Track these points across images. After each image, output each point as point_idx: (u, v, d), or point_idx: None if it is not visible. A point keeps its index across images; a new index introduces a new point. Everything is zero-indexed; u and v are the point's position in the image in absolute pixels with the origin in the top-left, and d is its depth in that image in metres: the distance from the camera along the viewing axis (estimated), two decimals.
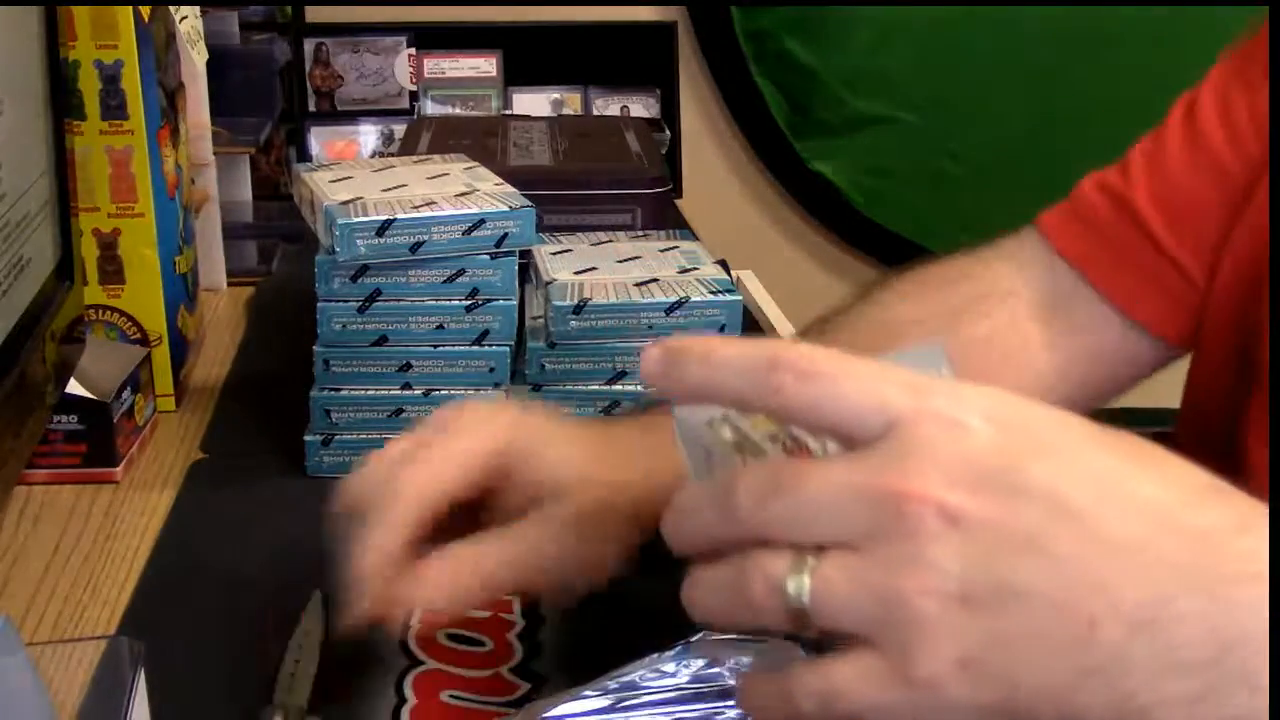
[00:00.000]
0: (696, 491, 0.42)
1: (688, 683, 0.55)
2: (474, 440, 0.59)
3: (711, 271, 0.85)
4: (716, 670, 0.56)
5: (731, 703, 0.55)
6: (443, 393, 0.81)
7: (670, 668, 0.55)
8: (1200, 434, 0.75)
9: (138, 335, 0.91)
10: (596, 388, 0.82)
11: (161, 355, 0.92)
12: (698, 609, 0.42)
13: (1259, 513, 0.38)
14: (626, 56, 1.75)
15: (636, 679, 0.55)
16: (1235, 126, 0.73)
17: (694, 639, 0.56)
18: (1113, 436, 0.39)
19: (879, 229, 1.92)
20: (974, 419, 0.38)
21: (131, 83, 0.87)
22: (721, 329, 0.81)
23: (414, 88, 1.68)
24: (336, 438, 0.82)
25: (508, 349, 0.82)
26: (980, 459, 0.38)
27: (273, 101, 1.56)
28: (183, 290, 0.96)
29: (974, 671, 0.37)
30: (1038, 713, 0.37)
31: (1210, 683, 0.36)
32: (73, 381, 0.80)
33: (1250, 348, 0.69)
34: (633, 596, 0.58)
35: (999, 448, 0.38)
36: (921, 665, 0.37)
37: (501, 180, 0.86)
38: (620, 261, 0.86)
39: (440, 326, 0.80)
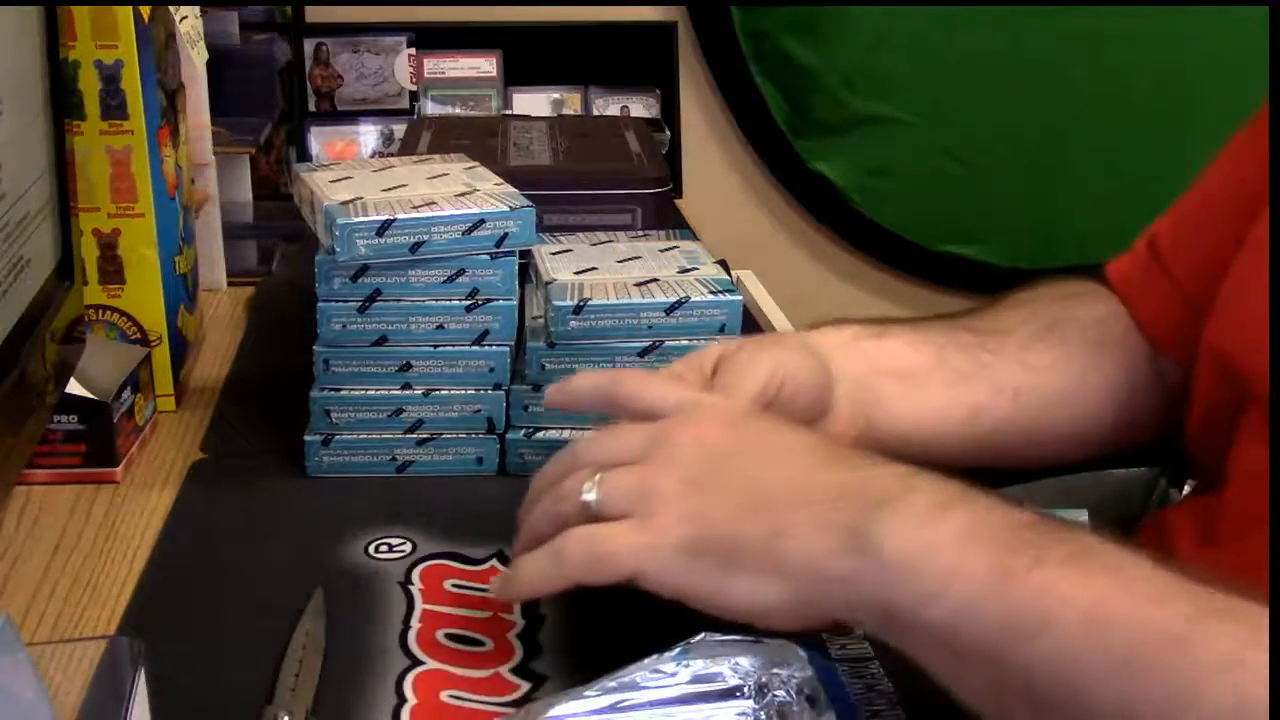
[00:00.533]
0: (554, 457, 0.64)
1: (688, 682, 0.55)
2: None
3: (711, 271, 0.85)
4: (716, 670, 0.56)
5: (732, 703, 0.55)
6: (443, 393, 0.81)
7: (670, 668, 0.55)
8: (1200, 442, 0.76)
9: (138, 335, 0.91)
10: None
11: (161, 355, 0.92)
12: (528, 525, 0.63)
13: (878, 457, 0.58)
14: (626, 56, 1.75)
15: (637, 679, 0.55)
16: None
17: (694, 640, 0.56)
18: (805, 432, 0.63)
19: (879, 229, 1.91)
20: (735, 406, 0.64)
21: (131, 83, 0.87)
22: (721, 329, 0.81)
23: (414, 88, 1.68)
24: (336, 438, 0.82)
25: (508, 349, 0.82)
26: (729, 417, 0.62)
27: (273, 101, 1.56)
28: (183, 290, 0.96)
29: (682, 519, 0.56)
30: (716, 538, 0.56)
31: (833, 505, 0.54)
32: (73, 381, 0.80)
33: (1234, 362, 0.70)
34: (633, 596, 0.58)
35: (743, 413, 0.63)
36: (658, 519, 0.56)
37: (501, 180, 0.86)
38: (620, 261, 0.86)
39: (440, 326, 0.80)
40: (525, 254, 0.85)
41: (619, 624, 0.64)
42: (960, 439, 0.79)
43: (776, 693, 0.56)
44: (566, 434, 0.82)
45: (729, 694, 0.56)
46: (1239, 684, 0.44)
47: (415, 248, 0.78)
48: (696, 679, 0.56)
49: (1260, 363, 0.67)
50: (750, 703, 0.55)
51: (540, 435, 0.83)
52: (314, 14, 1.71)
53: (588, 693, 0.55)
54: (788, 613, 0.55)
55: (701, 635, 0.56)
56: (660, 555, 0.56)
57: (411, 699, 0.61)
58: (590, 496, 0.58)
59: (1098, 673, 0.46)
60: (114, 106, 0.87)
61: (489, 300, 0.80)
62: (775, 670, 0.56)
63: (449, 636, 0.66)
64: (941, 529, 0.51)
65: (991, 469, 0.90)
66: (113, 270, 0.90)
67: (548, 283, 0.82)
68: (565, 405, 0.69)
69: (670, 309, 0.81)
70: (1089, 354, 0.81)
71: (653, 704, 0.55)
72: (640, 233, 0.97)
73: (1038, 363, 0.80)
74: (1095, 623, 0.46)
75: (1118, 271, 0.84)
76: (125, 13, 0.85)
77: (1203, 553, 0.69)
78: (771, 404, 0.70)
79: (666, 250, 0.89)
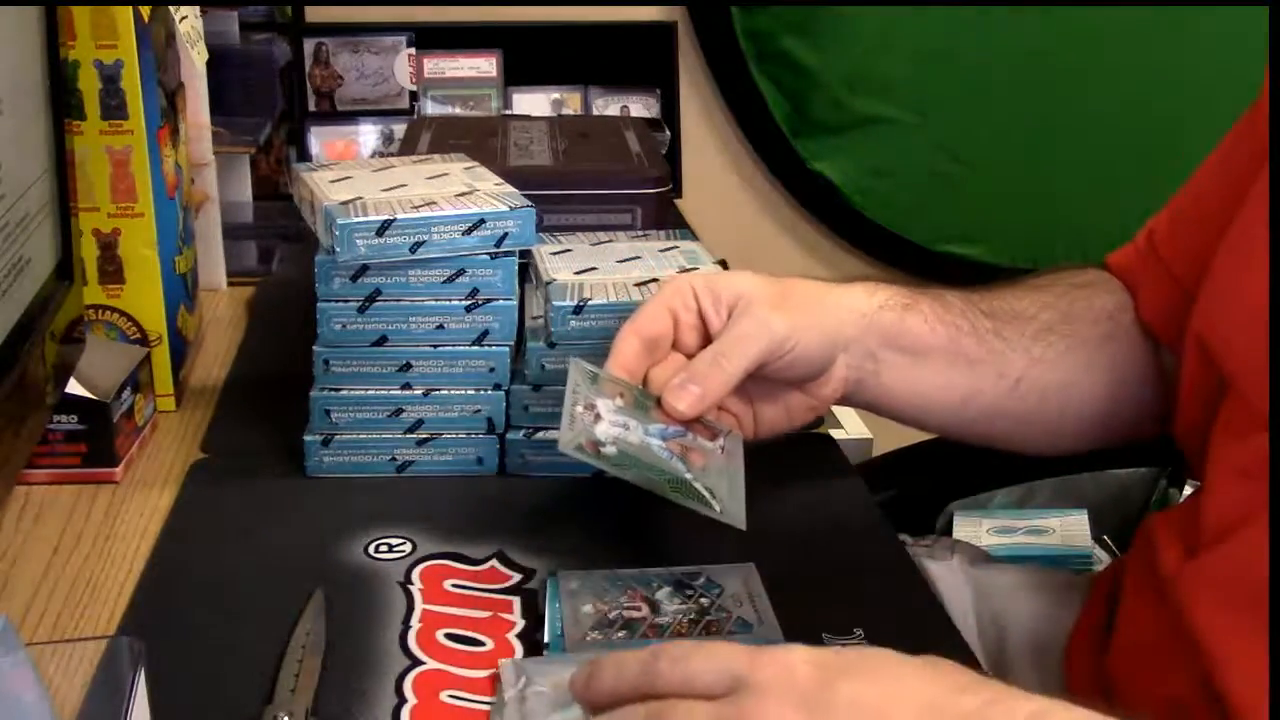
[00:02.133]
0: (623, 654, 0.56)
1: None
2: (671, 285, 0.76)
3: (711, 271, 0.85)
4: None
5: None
6: (443, 393, 0.81)
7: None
8: (1186, 436, 0.76)
9: (138, 335, 0.91)
10: None
11: (161, 355, 0.92)
12: None
13: (1006, 691, 0.52)
14: (626, 56, 1.75)
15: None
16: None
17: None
18: (903, 658, 0.53)
19: (879, 229, 1.91)
20: (797, 661, 0.52)
21: (131, 83, 0.87)
22: None
23: (414, 88, 1.68)
24: (336, 438, 0.82)
25: (508, 349, 0.82)
26: (802, 686, 0.51)
27: (273, 101, 1.56)
28: (182, 290, 0.96)
29: None
30: None
31: None
32: (73, 381, 0.80)
33: (1214, 351, 0.70)
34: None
35: (815, 677, 0.52)
36: None
37: (501, 180, 0.86)
38: (620, 261, 0.86)
39: (440, 326, 0.80)
40: (525, 254, 0.85)
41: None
42: (947, 418, 0.81)
43: None
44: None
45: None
46: None
47: (415, 248, 0.78)
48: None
49: (1236, 346, 0.67)
50: None
51: (540, 435, 0.83)
52: (314, 14, 1.71)
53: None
54: None
55: None
56: None
57: (411, 699, 0.61)
58: None
59: None
60: (114, 106, 0.87)
61: (489, 300, 0.80)
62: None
63: (449, 636, 0.66)
64: None
65: (994, 464, 0.90)
66: (113, 270, 0.90)
67: (548, 283, 0.82)
68: (594, 701, 0.57)
69: None
70: (1098, 346, 0.81)
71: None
72: (640, 233, 0.97)
73: (1045, 354, 0.80)
74: None
75: (1118, 262, 0.85)
76: (125, 12, 0.85)
77: (1185, 568, 0.69)
78: (766, 368, 0.72)
79: (666, 250, 0.89)
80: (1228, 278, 0.71)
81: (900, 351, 0.79)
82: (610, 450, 0.68)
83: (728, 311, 0.74)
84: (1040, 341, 0.81)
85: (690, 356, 0.75)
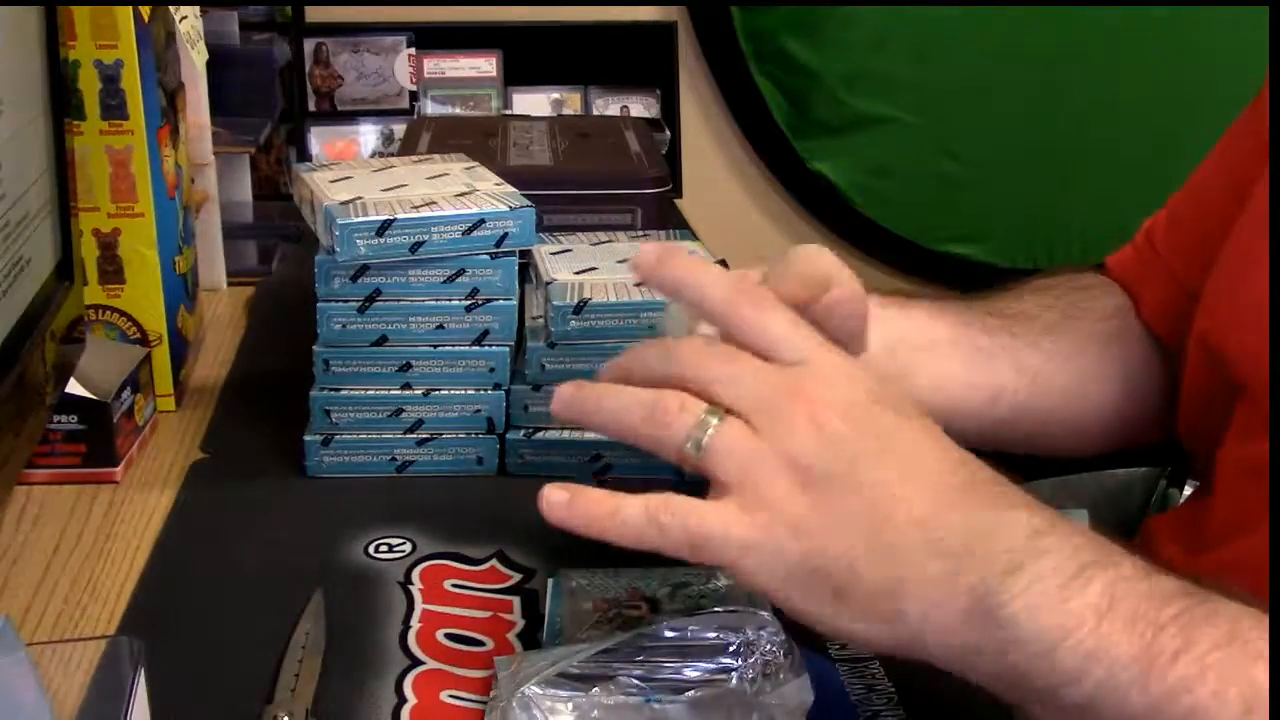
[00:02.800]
0: (647, 342, 0.58)
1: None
2: None
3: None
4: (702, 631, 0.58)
5: (720, 659, 0.57)
6: (443, 393, 0.81)
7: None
8: (1191, 436, 0.76)
9: (138, 335, 0.91)
10: None
11: (161, 355, 0.92)
12: (605, 410, 0.56)
13: (1006, 484, 0.53)
14: (626, 56, 1.75)
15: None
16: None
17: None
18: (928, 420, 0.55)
19: (879, 229, 1.91)
20: (859, 376, 0.54)
21: (131, 83, 0.87)
22: None
23: (414, 88, 1.68)
24: (336, 438, 0.82)
25: (508, 349, 0.82)
26: (854, 396, 0.53)
27: (273, 101, 1.56)
28: (182, 290, 0.96)
29: (797, 530, 0.51)
30: (833, 571, 0.51)
31: (960, 565, 0.50)
32: (73, 381, 0.80)
33: (1221, 353, 0.70)
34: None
35: (868, 395, 0.54)
36: (767, 514, 0.51)
37: (501, 180, 0.86)
38: (620, 261, 0.86)
39: (440, 326, 0.80)
40: (525, 254, 0.85)
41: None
42: (980, 419, 0.79)
43: (763, 651, 0.57)
44: (566, 434, 0.82)
45: (718, 650, 0.57)
46: None
47: (415, 248, 0.78)
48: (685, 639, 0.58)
49: (1245, 348, 0.67)
50: (737, 659, 0.57)
51: (540, 435, 0.83)
52: (314, 14, 1.71)
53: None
54: (891, 651, 0.52)
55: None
56: (766, 561, 0.52)
57: (411, 699, 0.61)
58: (700, 441, 0.53)
59: None
60: (114, 106, 0.87)
61: (489, 300, 0.80)
62: (761, 631, 0.57)
63: (449, 636, 0.66)
64: (1078, 602, 0.48)
65: (994, 463, 0.90)
66: (113, 270, 0.90)
67: (548, 283, 0.82)
68: (668, 291, 0.58)
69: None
70: (1104, 345, 0.81)
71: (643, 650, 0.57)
72: (640, 233, 0.97)
73: (1055, 349, 0.80)
74: None
75: (1118, 264, 0.85)
76: (125, 13, 0.85)
77: (1188, 560, 0.69)
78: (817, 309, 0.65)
79: None
80: (1232, 278, 0.70)
81: (915, 348, 0.77)
82: None
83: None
84: (1049, 337, 0.80)
85: None
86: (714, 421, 0.53)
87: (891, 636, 0.51)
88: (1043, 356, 0.79)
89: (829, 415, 0.52)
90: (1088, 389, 0.81)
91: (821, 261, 0.61)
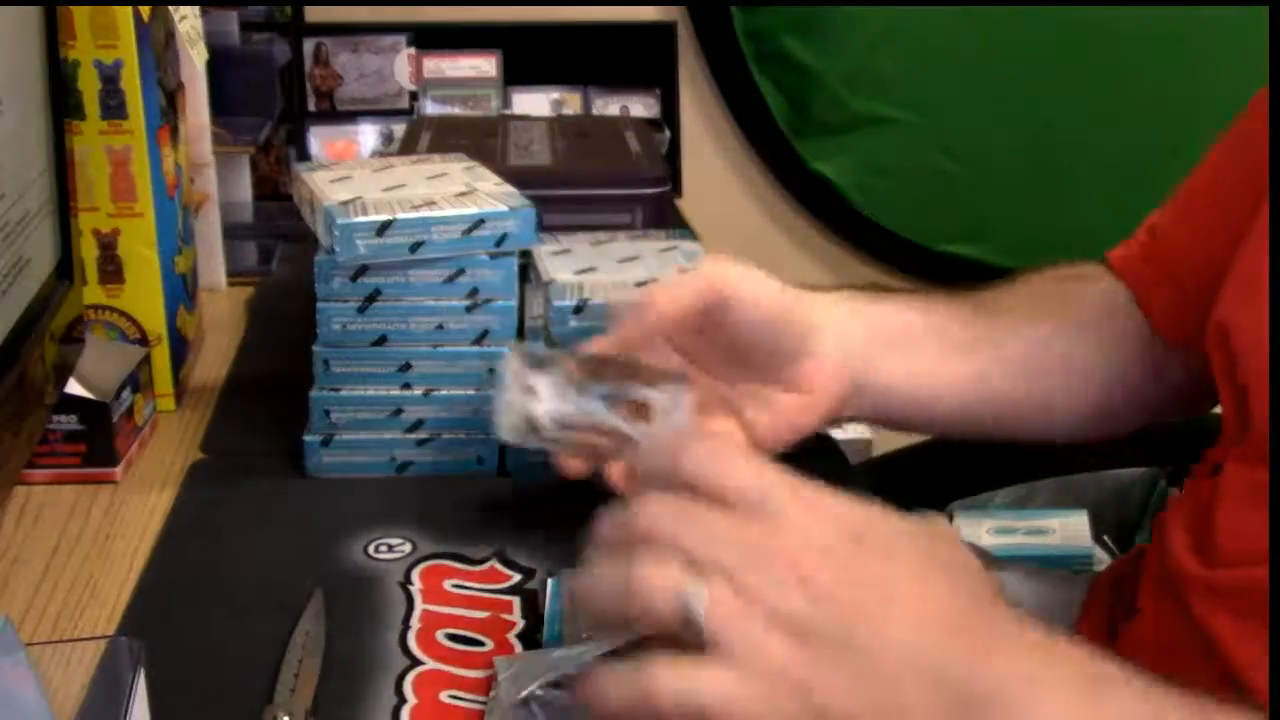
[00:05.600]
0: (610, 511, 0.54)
1: None
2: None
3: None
4: None
5: None
6: (443, 393, 0.81)
7: None
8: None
9: (137, 335, 0.91)
10: None
11: (161, 355, 0.92)
12: (592, 595, 0.53)
13: (1019, 619, 0.51)
14: (626, 56, 1.75)
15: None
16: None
17: None
18: (933, 547, 0.52)
19: (879, 229, 1.91)
20: (834, 514, 0.51)
21: (131, 83, 0.87)
22: None
23: (414, 88, 1.68)
24: (336, 438, 0.82)
25: (508, 349, 0.81)
26: (834, 542, 0.50)
27: (273, 101, 1.56)
28: (182, 290, 0.96)
29: (797, 691, 0.48)
30: (817, 713, 0.48)
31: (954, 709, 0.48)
32: (72, 381, 0.80)
33: (1230, 342, 0.70)
34: None
35: (850, 536, 0.51)
36: (763, 684, 0.48)
37: (501, 180, 0.86)
38: (620, 261, 0.86)
39: (440, 326, 0.80)
40: (525, 254, 0.85)
41: None
42: (954, 412, 0.80)
43: None
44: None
45: None
46: None
47: (415, 248, 0.78)
48: None
49: (1260, 342, 0.66)
50: None
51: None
52: (314, 14, 1.71)
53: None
54: None
55: None
56: (756, 714, 0.49)
57: (411, 699, 0.61)
58: (694, 610, 0.49)
59: None
60: (114, 106, 0.87)
61: (489, 300, 0.80)
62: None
63: (449, 636, 0.66)
64: None
65: (995, 463, 0.90)
66: (112, 270, 0.90)
67: (548, 283, 0.82)
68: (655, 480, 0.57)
69: None
70: (1088, 330, 0.81)
71: None
72: (640, 233, 0.97)
73: (1032, 336, 0.80)
74: None
75: (1120, 259, 0.85)
76: (125, 12, 0.85)
77: (1204, 577, 0.68)
78: (711, 317, 0.71)
79: (666, 250, 0.89)
80: (1252, 268, 0.70)
81: (888, 345, 0.77)
82: (549, 426, 0.67)
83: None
84: (1029, 324, 0.80)
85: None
86: (703, 590, 0.49)
87: None
88: (1021, 343, 0.80)
89: (814, 570, 0.50)
90: (1069, 372, 0.81)
91: (699, 283, 0.69)
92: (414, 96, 1.69)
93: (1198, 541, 0.70)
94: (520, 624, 0.68)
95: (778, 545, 0.50)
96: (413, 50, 1.68)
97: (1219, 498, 0.69)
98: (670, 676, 0.49)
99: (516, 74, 1.72)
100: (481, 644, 0.66)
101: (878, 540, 0.52)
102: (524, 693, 0.56)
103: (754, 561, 0.50)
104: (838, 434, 0.96)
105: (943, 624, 0.50)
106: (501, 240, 0.80)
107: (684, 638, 0.49)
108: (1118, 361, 0.82)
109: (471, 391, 0.82)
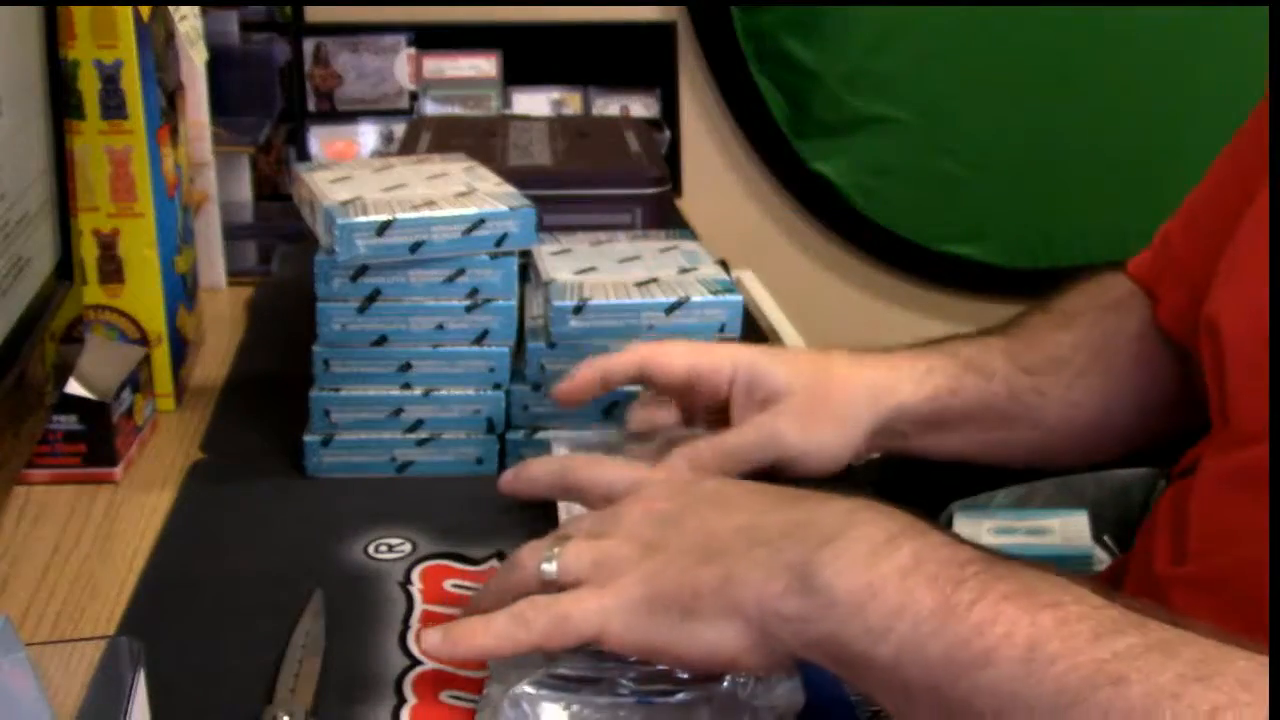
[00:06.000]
0: None
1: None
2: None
3: (711, 271, 0.85)
4: None
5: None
6: (443, 393, 0.81)
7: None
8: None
9: (137, 335, 0.91)
10: None
11: (161, 355, 0.92)
12: (488, 596, 0.62)
13: (833, 502, 0.57)
14: (626, 56, 1.75)
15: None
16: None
17: None
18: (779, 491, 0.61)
19: (879, 229, 1.91)
20: (688, 478, 0.65)
21: (131, 83, 0.87)
22: (721, 329, 0.81)
23: (414, 88, 1.68)
24: (336, 438, 0.82)
25: (508, 349, 0.82)
26: (678, 486, 0.63)
27: (273, 101, 1.56)
28: (182, 290, 0.96)
29: (643, 579, 0.56)
30: (677, 592, 0.55)
31: (779, 546, 0.54)
32: (72, 381, 0.80)
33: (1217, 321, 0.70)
34: None
35: (694, 481, 0.64)
36: (616, 582, 0.57)
37: (501, 180, 0.86)
38: (620, 261, 0.86)
39: (440, 326, 0.80)
40: (525, 254, 0.85)
41: None
42: (977, 461, 0.83)
43: None
44: (566, 434, 0.82)
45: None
46: (1177, 718, 0.44)
47: (415, 248, 0.78)
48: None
49: (1237, 325, 0.67)
50: None
51: (540, 435, 0.83)
52: (314, 14, 1.71)
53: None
54: (750, 655, 0.55)
55: None
56: (622, 614, 0.56)
57: (411, 699, 0.61)
58: (549, 567, 0.59)
59: (1040, 709, 0.46)
60: (114, 106, 0.87)
61: (489, 300, 0.80)
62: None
63: None
64: (886, 565, 0.51)
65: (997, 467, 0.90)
66: (112, 270, 0.90)
67: (548, 283, 0.82)
68: (520, 493, 0.70)
69: (670, 309, 0.81)
70: (1129, 374, 0.82)
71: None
72: (640, 233, 0.97)
73: (1080, 399, 0.81)
74: (1034, 660, 0.47)
75: (1138, 268, 0.85)
76: (125, 12, 0.85)
77: (1176, 573, 0.69)
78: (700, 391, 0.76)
79: (666, 250, 0.89)
80: (1241, 258, 0.70)
81: (930, 429, 0.79)
82: None
83: (759, 405, 0.75)
84: (1076, 387, 0.81)
85: (688, 420, 0.78)
86: (557, 549, 0.59)
87: (739, 638, 0.54)
88: (1063, 408, 0.81)
89: (656, 502, 0.61)
90: (1103, 421, 0.82)
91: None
92: (414, 96, 1.69)
93: (1175, 540, 0.70)
94: None
95: (629, 502, 0.61)
96: (413, 50, 1.68)
97: (1193, 494, 0.69)
98: (541, 599, 0.58)
99: (516, 74, 1.72)
100: None
101: (724, 489, 0.61)
102: (514, 689, 0.56)
103: (607, 517, 0.61)
104: None
105: (767, 501, 0.59)
106: (501, 240, 0.80)
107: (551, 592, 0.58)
108: (1154, 397, 0.83)
109: (471, 391, 0.82)
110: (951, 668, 0.48)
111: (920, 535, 0.53)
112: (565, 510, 0.74)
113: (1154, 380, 0.82)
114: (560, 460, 0.70)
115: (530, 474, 0.69)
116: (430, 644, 0.59)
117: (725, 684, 0.56)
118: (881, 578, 0.51)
